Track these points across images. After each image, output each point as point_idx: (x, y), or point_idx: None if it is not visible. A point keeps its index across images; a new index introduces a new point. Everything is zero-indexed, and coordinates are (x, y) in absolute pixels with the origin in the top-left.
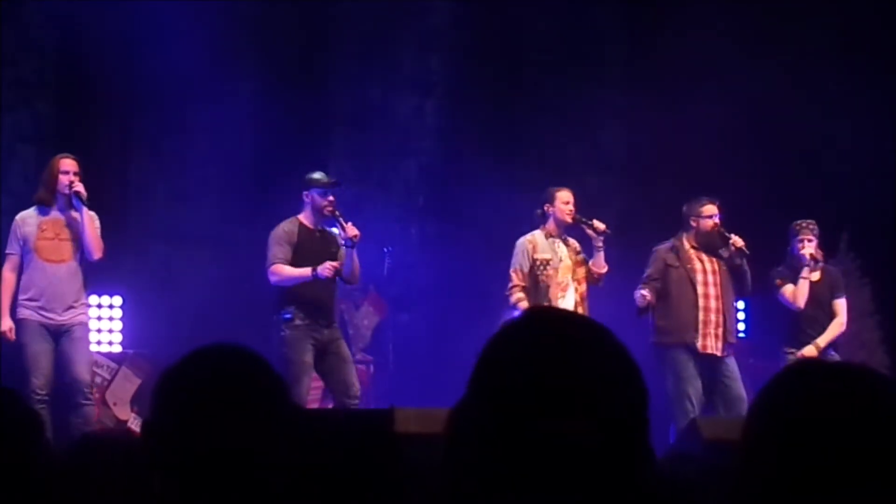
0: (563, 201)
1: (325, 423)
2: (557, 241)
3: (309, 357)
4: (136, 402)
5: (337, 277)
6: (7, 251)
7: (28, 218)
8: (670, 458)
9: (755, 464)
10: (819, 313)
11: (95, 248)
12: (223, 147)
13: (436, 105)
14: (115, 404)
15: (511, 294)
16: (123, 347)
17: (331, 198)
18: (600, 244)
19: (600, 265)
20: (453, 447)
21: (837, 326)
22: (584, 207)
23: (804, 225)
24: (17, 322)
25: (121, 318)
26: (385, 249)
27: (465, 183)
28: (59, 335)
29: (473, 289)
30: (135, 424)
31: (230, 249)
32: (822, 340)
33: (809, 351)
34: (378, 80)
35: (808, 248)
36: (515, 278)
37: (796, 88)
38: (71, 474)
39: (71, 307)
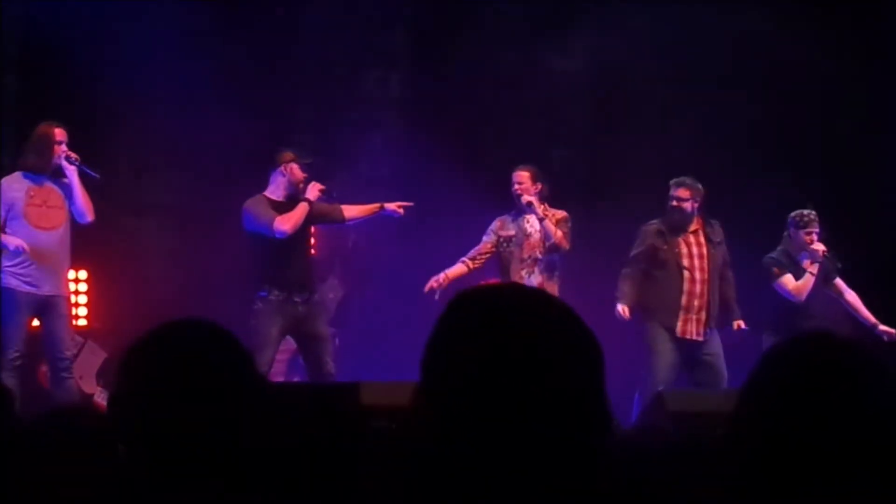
0: (513, 183)
1: (291, 396)
2: (525, 218)
3: (275, 331)
4: (101, 375)
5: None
6: None
7: (14, 183)
8: (635, 432)
9: (748, 431)
10: (814, 302)
11: (88, 210)
12: (189, 120)
13: (400, 77)
14: (80, 378)
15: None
16: (89, 321)
17: (306, 175)
18: (534, 212)
19: (548, 235)
20: (416, 424)
21: (856, 300)
22: (549, 180)
23: (812, 217)
24: (2, 290)
25: (86, 292)
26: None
27: (430, 155)
28: (43, 309)
29: (439, 262)
30: (101, 398)
31: (196, 223)
32: (871, 317)
33: (885, 328)
34: (342, 52)
35: (818, 244)
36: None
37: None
38: (37, 448)
39: (59, 277)
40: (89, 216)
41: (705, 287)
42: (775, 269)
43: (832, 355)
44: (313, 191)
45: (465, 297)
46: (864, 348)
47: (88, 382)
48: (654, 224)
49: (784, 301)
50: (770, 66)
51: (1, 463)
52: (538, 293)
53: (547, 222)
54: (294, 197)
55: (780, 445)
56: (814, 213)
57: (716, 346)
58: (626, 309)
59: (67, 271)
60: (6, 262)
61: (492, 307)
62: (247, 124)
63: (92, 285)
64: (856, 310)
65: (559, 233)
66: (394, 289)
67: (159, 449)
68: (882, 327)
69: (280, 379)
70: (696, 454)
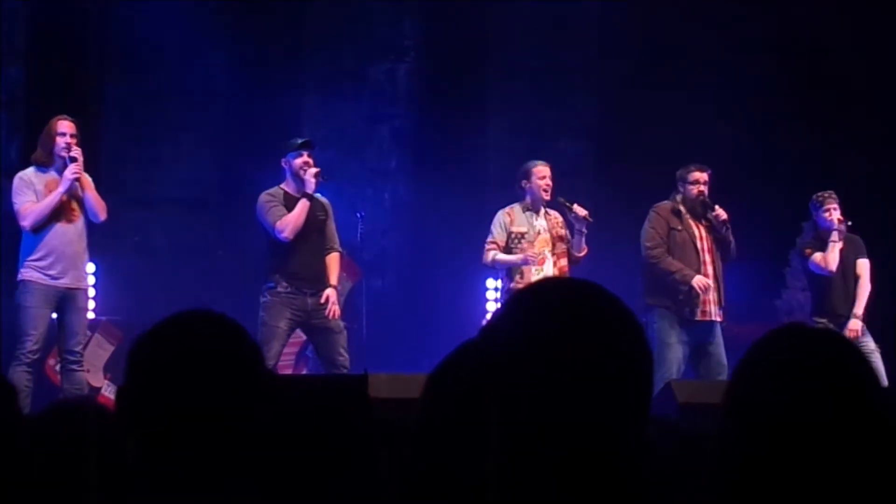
0: (539, 177)
1: (298, 388)
2: (536, 214)
3: (283, 323)
4: (109, 368)
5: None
6: (25, 199)
7: (32, 176)
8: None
9: (735, 423)
10: (846, 280)
11: (100, 209)
12: (196, 113)
13: (408, 69)
14: (88, 371)
15: (486, 254)
16: (96, 314)
17: (304, 157)
18: (583, 229)
19: (579, 248)
20: (436, 411)
21: (864, 289)
22: (558, 172)
23: (827, 195)
24: (22, 283)
25: (94, 285)
26: (358, 214)
27: (438, 147)
28: (63, 301)
29: (446, 254)
30: (108, 391)
31: (204, 215)
32: (859, 309)
33: (854, 325)
34: (351, 45)
35: (836, 214)
36: (490, 243)
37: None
38: (43, 442)
39: (79, 270)
40: (102, 215)
41: (715, 267)
42: (807, 250)
43: (810, 349)
44: (310, 182)
45: (530, 289)
46: (842, 339)
47: (96, 376)
48: (667, 203)
49: (821, 282)
50: (785, 51)
51: (3, 459)
52: (601, 291)
53: (582, 238)
54: (303, 188)
55: (768, 448)
56: (830, 192)
57: (720, 335)
58: (698, 276)
59: (87, 264)
60: (28, 256)
61: (554, 300)
62: (254, 117)
63: (100, 278)
64: (857, 297)
65: (586, 249)
66: (401, 281)
67: (167, 442)
68: (852, 322)
69: (288, 371)
70: (700, 450)
